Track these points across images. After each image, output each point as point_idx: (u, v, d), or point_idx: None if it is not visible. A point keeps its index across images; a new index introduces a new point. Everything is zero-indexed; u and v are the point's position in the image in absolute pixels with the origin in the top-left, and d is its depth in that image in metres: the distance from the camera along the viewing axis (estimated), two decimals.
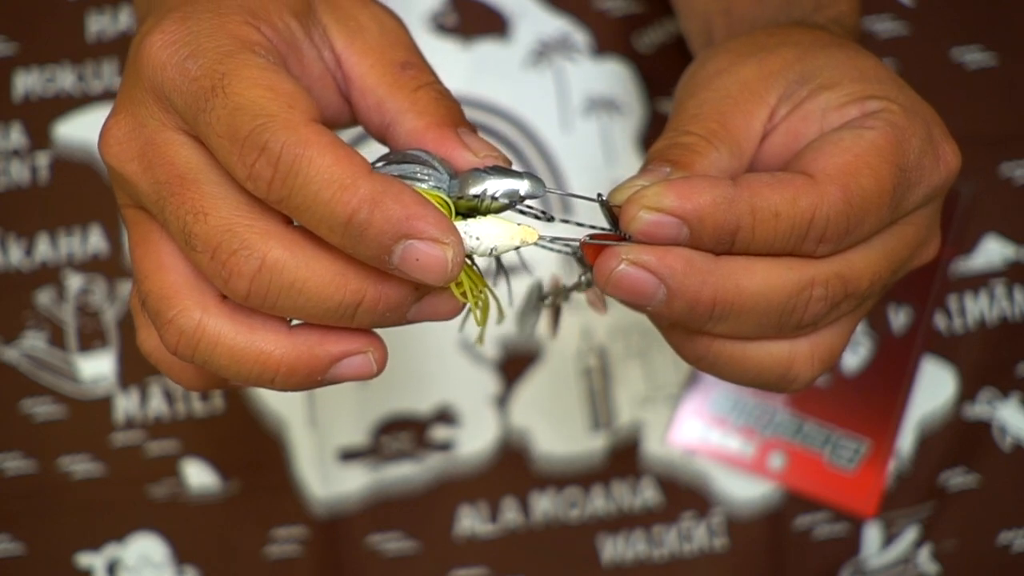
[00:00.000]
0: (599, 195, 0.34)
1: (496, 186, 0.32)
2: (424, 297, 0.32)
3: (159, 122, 0.32)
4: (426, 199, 0.30)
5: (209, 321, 0.31)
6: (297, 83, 0.31)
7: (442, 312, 0.33)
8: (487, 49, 0.61)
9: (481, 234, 0.32)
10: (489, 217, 0.32)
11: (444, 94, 0.34)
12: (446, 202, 0.32)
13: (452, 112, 0.34)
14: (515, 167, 0.34)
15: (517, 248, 0.32)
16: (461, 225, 0.32)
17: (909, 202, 0.35)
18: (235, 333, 0.31)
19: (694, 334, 0.35)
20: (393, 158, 0.33)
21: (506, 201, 0.32)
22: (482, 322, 0.34)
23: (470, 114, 0.60)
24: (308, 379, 0.32)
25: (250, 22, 0.32)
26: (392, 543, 0.56)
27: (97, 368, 0.57)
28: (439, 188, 0.32)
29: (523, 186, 0.32)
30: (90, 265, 0.58)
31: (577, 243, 0.34)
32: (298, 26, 0.34)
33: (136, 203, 0.33)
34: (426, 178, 0.32)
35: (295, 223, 0.31)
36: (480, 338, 0.37)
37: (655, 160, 0.34)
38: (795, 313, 0.33)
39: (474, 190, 0.32)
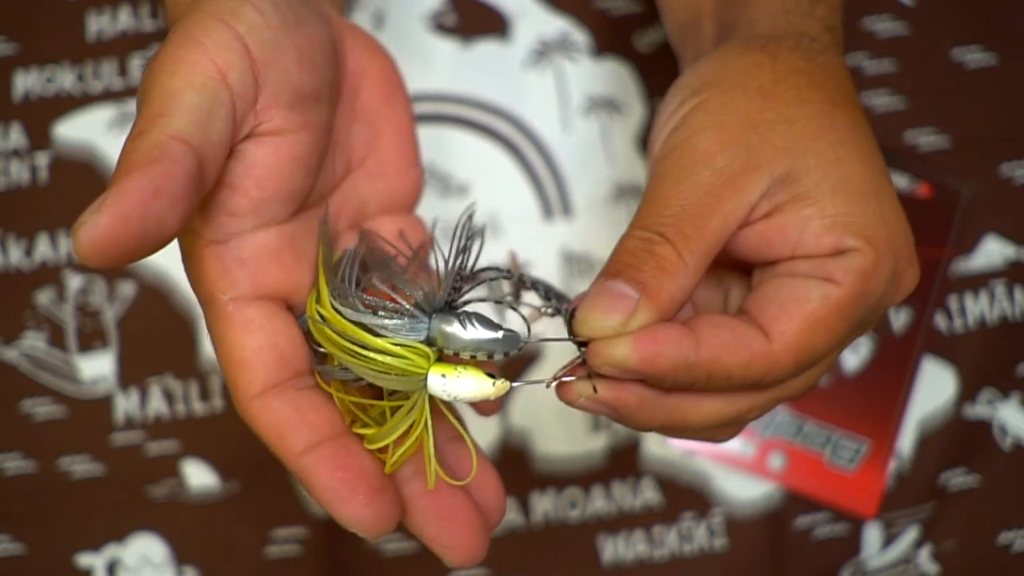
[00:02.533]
0: (568, 322, 0.35)
1: (470, 344, 0.32)
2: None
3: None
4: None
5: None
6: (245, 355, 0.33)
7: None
8: (487, 49, 0.61)
9: (456, 390, 0.32)
10: (468, 374, 0.32)
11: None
12: (424, 351, 0.32)
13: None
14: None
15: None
16: (439, 382, 0.32)
17: (860, 335, 0.38)
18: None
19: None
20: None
21: (482, 356, 0.33)
22: (397, 461, 0.34)
23: (471, 114, 0.60)
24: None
25: (203, 246, 0.33)
26: (392, 543, 0.56)
27: (97, 368, 0.57)
28: (414, 334, 0.32)
29: (497, 347, 0.33)
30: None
31: (549, 381, 0.35)
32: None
33: None
34: (399, 328, 0.32)
35: None
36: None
37: (627, 272, 0.34)
38: (731, 424, 0.37)
39: (449, 347, 0.32)
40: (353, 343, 0.31)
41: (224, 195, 0.33)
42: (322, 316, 0.33)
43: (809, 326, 0.34)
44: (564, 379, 0.35)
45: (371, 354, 0.31)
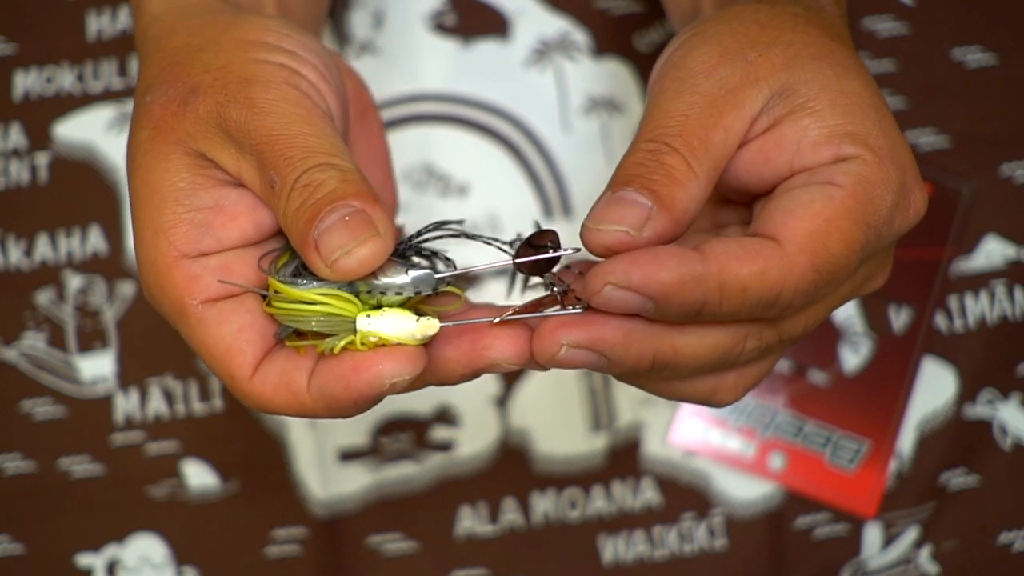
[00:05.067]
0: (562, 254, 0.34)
1: (385, 287, 0.33)
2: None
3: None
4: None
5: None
6: (216, 328, 0.34)
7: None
8: (487, 49, 0.61)
9: (379, 328, 0.33)
10: (391, 313, 0.33)
11: (305, 200, 0.33)
12: (348, 297, 0.33)
13: (311, 213, 0.33)
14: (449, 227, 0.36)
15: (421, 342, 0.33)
16: (363, 322, 0.33)
17: (875, 254, 0.35)
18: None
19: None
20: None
21: (406, 295, 0.33)
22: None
23: (471, 114, 0.60)
24: None
25: (173, 266, 0.34)
26: (392, 543, 0.56)
27: (97, 368, 0.57)
28: (335, 284, 0.33)
29: (407, 287, 0.33)
30: (90, 265, 0.58)
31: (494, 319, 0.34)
32: (201, 191, 0.35)
33: None
34: (331, 286, 0.34)
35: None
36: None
37: (637, 181, 0.33)
38: (727, 361, 0.34)
39: (373, 293, 0.33)
40: (293, 303, 0.34)
41: (218, 221, 0.34)
42: (276, 292, 0.35)
43: (820, 226, 0.32)
44: (510, 316, 0.33)
45: (303, 307, 0.33)
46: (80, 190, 0.59)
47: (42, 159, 0.59)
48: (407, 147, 0.59)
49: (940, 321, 0.57)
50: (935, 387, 0.57)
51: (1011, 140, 0.59)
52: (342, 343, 0.33)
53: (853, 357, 0.57)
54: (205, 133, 0.34)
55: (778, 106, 0.34)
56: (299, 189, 0.32)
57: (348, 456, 0.56)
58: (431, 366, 0.34)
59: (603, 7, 0.61)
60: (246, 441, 0.57)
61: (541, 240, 0.34)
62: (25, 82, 0.60)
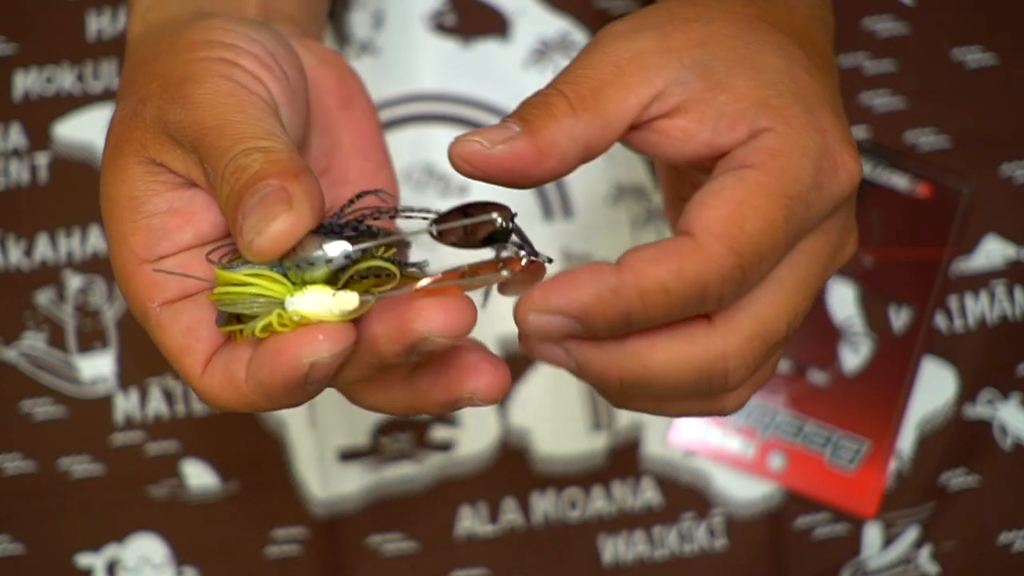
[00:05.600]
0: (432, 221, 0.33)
1: (298, 262, 0.32)
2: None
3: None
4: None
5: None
6: (170, 329, 0.34)
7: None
8: (487, 49, 0.61)
9: (300, 306, 0.32)
10: (312, 290, 0.32)
11: (232, 187, 0.33)
12: (275, 277, 0.33)
13: (236, 199, 0.33)
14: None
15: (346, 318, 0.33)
16: (288, 302, 0.32)
17: (810, 223, 0.34)
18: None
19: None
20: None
21: (333, 265, 0.32)
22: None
23: (471, 114, 0.60)
24: None
25: (135, 272, 0.35)
26: (392, 543, 0.56)
27: (97, 368, 0.57)
28: (266, 265, 0.33)
29: (319, 257, 0.32)
30: (89, 265, 0.58)
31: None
32: (156, 197, 0.35)
33: None
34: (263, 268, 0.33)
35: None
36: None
37: (514, 113, 0.33)
38: (715, 384, 0.33)
39: (291, 265, 0.32)
40: (228, 288, 0.34)
41: (173, 223, 0.35)
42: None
43: (731, 210, 0.31)
44: (431, 285, 0.32)
45: (234, 289, 0.33)
46: (80, 190, 0.59)
47: (42, 159, 0.59)
48: (407, 147, 0.59)
49: (940, 321, 0.57)
50: (935, 387, 0.57)
51: (1011, 140, 0.59)
52: (260, 324, 0.32)
53: (853, 357, 0.57)
54: (154, 140, 0.35)
55: (692, 82, 0.34)
56: (227, 177, 0.32)
57: (348, 456, 0.56)
58: (365, 345, 0.33)
59: (603, 7, 0.61)
60: (246, 441, 0.57)
61: (483, 211, 0.33)
62: (25, 82, 0.60)
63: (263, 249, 0.31)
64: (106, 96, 0.60)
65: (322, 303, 0.32)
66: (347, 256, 0.32)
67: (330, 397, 0.57)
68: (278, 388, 0.32)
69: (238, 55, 0.36)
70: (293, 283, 0.33)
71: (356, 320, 0.32)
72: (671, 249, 0.31)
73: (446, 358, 0.34)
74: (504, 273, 0.32)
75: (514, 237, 0.33)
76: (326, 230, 0.33)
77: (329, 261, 0.32)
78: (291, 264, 0.32)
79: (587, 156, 0.33)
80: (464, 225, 0.33)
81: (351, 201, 0.35)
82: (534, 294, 0.31)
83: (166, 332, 0.34)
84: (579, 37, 0.61)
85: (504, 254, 0.33)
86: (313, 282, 0.32)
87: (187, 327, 0.34)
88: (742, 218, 0.31)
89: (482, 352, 0.35)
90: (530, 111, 0.33)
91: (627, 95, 0.33)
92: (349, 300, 0.32)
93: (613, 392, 0.34)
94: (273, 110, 0.35)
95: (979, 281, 0.58)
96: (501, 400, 0.34)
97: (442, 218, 0.33)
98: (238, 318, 0.34)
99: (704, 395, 0.34)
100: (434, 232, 0.33)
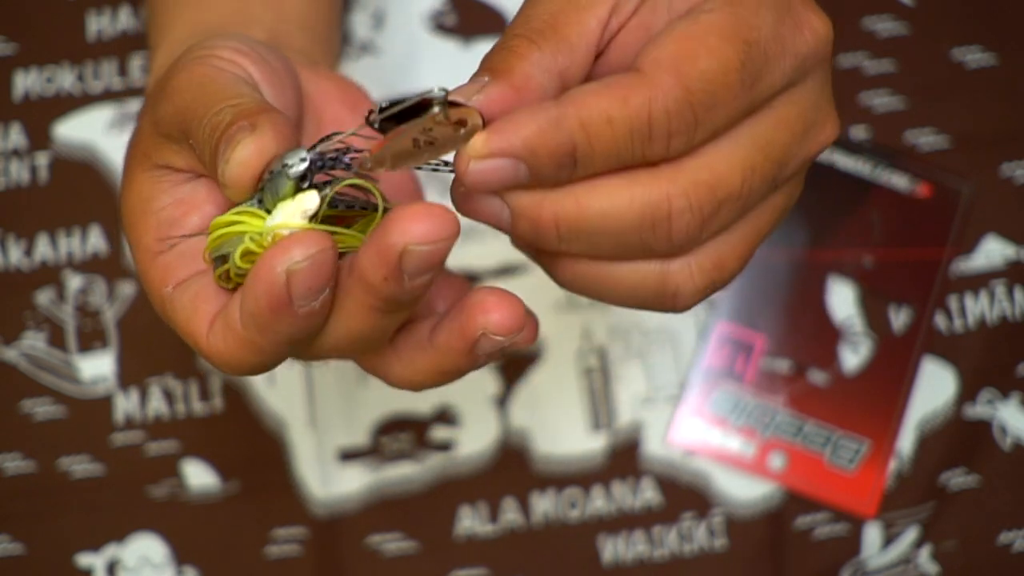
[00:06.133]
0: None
1: (269, 188, 0.32)
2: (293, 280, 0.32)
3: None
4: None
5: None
6: (180, 304, 0.35)
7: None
8: (487, 49, 0.61)
9: (270, 225, 0.32)
10: (280, 207, 0.32)
11: (211, 145, 0.33)
12: (255, 212, 0.33)
13: (213, 151, 0.33)
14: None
15: (313, 216, 0.32)
16: (268, 223, 0.32)
17: (771, 78, 0.31)
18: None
19: (557, 257, 0.33)
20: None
21: (298, 182, 0.32)
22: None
23: None
24: None
25: (150, 266, 0.35)
26: (392, 543, 0.56)
27: (97, 368, 0.57)
28: (248, 203, 0.33)
29: (280, 171, 0.32)
30: (90, 265, 0.58)
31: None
32: (163, 196, 0.36)
33: None
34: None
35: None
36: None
37: (479, 68, 0.32)
38: (658, 231, 0.31)
39: (267, 196, 0.32)
40: (217, 234, 0.34)
41: (180, 212, 0.35)
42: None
43: (684, 45, 0.30)
44: (362, 153, 0.31)
45: (221, 231, 0.33)
46: (80, 190, 0.59)
47: (42, 159, 0.59)
48: None
49: (940, 321, 0.57)
50: (935, 387, 0.57)
51: (1011, 140, 0.59)
52: (239, 250, 0.32)
53: (853, 357, 0.57)
54: (154, 145, 0.36)
55: None
56: (205, 139, 0.33)
57: (348, 456, 0.56)
58: (357, 282, 0.32)
59: None
60: (246, 441, 0.57)
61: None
62: (25, 82, 0.60)
63: (233, 176, 0.31)
64: (106, 96, 0.60)
65: (287, 213, 0.32)
66: (307, 162, 0.32)
67: (331, 397, 0.57)
68: (266, 313, 0.31)
69: (215, 49, 0.37)
70: (270, 212, 0.32)
71: (344, 256, 0.32)
72: (615, 82, 0.30)
73: (457, 307, 0.33)
74: (459, 127, 0.31)
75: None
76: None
77: (287, 167, 0.31)
78: (261, 189, 0.32)
79: (565, 85, 0.32)
80: (403, 108, 0.31)
81: (322, 140, 0.33)
82: (474, 140, 0.30)
83: (176, 306, 0.35)
84: None
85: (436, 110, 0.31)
86: (281, 200, 0.32)
87: (194, 294, 0.35)
88: (694, 54, 0.30)
89: (489, 288, 0.33)
90: (493, 59, 0.32)
91: (584, 17, 0.32)
92: (309, 198, 0.32)
93: (550, 241, 0.32)
94: (250, 83, 0.36)
95: (979, 281, 0.58)
96: (523, 336, 0.33)
97: (380, 110, 0.31)
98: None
99: (648, 250, 0.32)
100: (376, 123, 0.32)
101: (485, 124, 0.31)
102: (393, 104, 0.31)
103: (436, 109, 0.30)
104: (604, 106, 0.29)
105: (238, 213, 0.33)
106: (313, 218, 0.32)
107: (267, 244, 0.32)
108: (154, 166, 0.36)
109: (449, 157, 0.32)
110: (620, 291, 0.33)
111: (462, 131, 0.31)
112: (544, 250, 0.33)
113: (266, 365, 0.34)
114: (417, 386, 0.36)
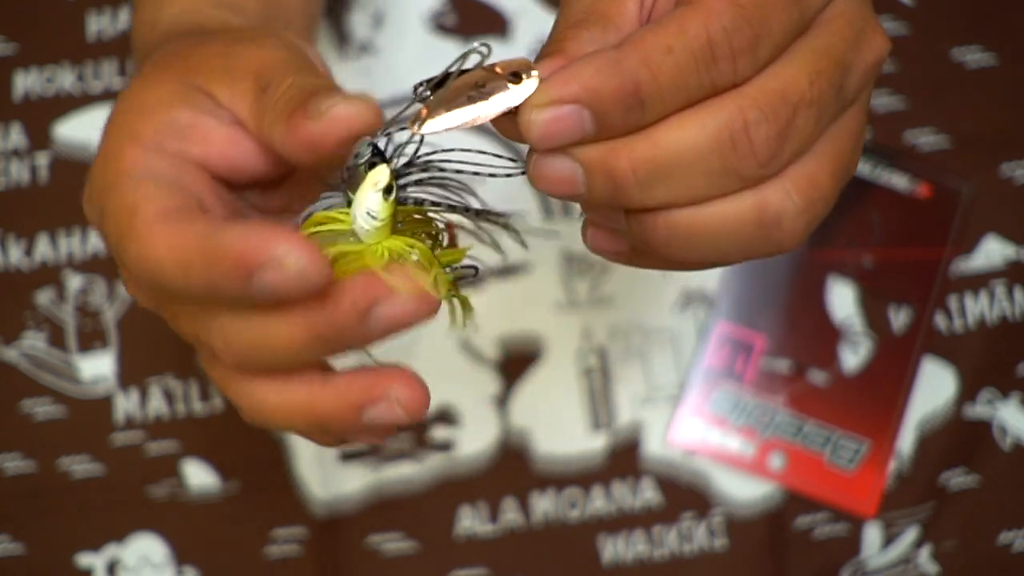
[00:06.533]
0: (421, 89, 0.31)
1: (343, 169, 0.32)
2: (378, 305, 0.30)
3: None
4: (258, 231, 0.29)
5: (255, 389, 0.32)
6: (144, 183, 0.32)
7: (410, 311, 0.31)
8: None
9: (357, 212, 0.31)
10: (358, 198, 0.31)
11: (296, 84, 0.32)
12: (343, 212, 0.32)
13: (302, 94, 0.32)
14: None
15: (386, 192, 0.31)
16: (356, 225, 0.31)
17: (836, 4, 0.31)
18: (275, 394, 0.32)
19: (646, 217, 0.31)
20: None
21: (364, 160, 0.31)
22: (464, 308, 0.34)
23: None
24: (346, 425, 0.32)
25: (127, 147, 0.33)
26: (392, 543, 0.56)
27: (97, 368, 0.57)
28: (332, 206, 0.32)
29: (351, 161, 0.31)
30: (90, 265, 0.58)
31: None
32: (185, 109, 0.34)
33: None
34: (328, 196, 0.33)
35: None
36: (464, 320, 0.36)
37: (534, 64, 0.32)
38: (739, 148, 0.29)
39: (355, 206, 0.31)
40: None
41: (189, 132, 0.33)
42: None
43: None
44: (428, 120, 0.30)
45: (312, 227, 0.32)
46: (80, 190, 0.58)
47: (42, 159, 0.59)
48: None
49: (940, 321, 0.57)
50: (935, 387, 0.57)
51: (1011, 140, 0.59)
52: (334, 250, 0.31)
53: (853, 357, 0.57)
54: (209, 66, 0.34)
55: None
56: (296, 88, 0.32)
57: (348, 456, 0.56)
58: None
59: None
60: (246, 441, 0.57)
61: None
62: (25, 82, 0.60)
63: (329, 124, 0.30)
64: (106, 96, 0.60)
65: (363, 192, 0.31)
66: (372, 146, 0.31)
67: None
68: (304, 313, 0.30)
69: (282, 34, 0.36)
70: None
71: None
72: (668, 17, 0.29)
73: (369, 369, 0.32)
74: (510, 81, 0.30)
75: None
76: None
77: (359, 156, 0.31)
78: (344, 183, 0.32)
79: None
80: (449, 72, 0.31)
81: (387, 124, 0.32)
82: (535, 91, 0.30)
83: (134, 187, 0.32)
84: None
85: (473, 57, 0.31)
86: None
87: (157, 197, 0.32)
88: None
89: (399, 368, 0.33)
90: (542, 52, 0.32)
91: (622, 2, 0.32)
92: (380, 171, 0.31)
93: (631, 191, 0.30)
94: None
95: (979, 281, 0.58)
96: (421, 417, 0.33)
97: (428, 83, 0.31)
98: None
99: (735, 175, 0.30)
100: (428, 95, 0.31)
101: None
102: (440, 76, 0.31)
103: (479, 57, 0.30)
104: (662, 39, 0.29)
105: (328, 217, 0.32)
106: (387, 191, 0.31)
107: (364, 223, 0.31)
108: (191, 85, 0.34)
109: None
110: (722, 236, 0.31)
111: (518, 85, 0.30)
112: (629, 208, 0.31)
113: (159, 303, 0.33)
114: (267, 421, 0.33)
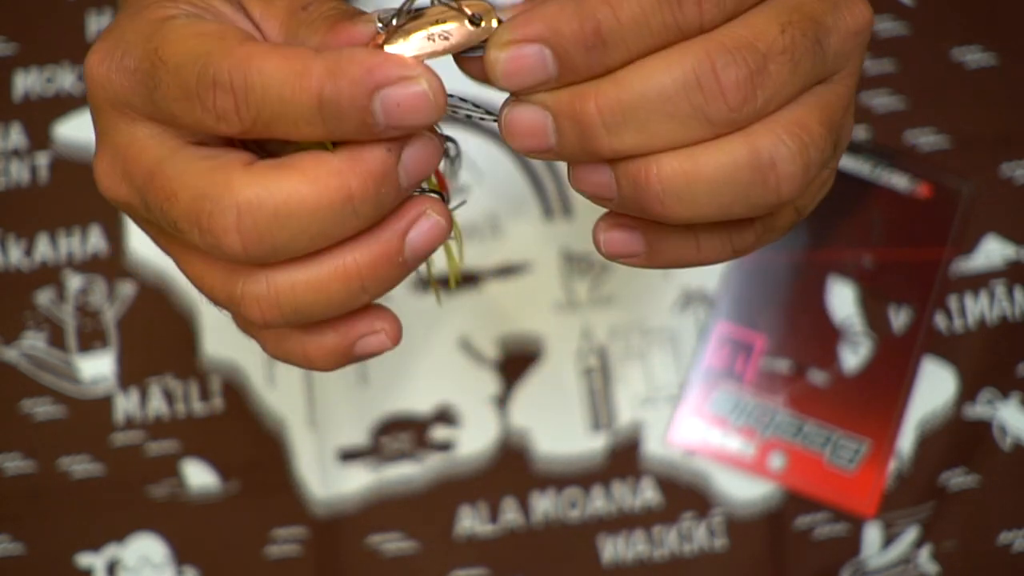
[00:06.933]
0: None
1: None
2: (405, 151, 0.31)
3: (125, 132, 0.32)
4: (380, 51, 0.30)
5: (276, 275, 0.31)
6: (222, 21, 0.31)
7: (429, 158, 0.31)
8: None
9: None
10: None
11: (337, 7, 0.33)
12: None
13: (345, 14, 0.32)
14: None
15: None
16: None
17: None
18: (305, 273, 0.31)
19: (632, 171, 0.30)
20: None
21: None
22: (457, 241, 0.34)
23: (471, 114, 0.60)
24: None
25: (167, 5, 0.32)
26: (392, 543, 0.56)
27: (97, 368, 0.57)
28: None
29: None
30: (90, 265, 0.58)
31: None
32: (220, 2, 0.34)
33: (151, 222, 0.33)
34: None
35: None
36: (453, 279, 0.37)
37: (491, 12, 0.32)
38: (708, 92, 0.29)
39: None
40: None
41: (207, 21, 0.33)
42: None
43: None
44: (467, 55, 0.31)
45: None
46: (80, 190, 0.59)
47: (42, 159, 0.59)
48: None
49: (940, 321, 0.57)
50: (935, 387, 0.57)
51: (1011, 140, 0.59)
52: None
53: (853, 357, 0.57)
54: None
55: None
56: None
57: (348, 456, 0.56)
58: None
59: None
60: (246, 441, 0.57)
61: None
62: (25, 82, 0.60)
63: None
64: None
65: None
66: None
67: (331, 397, 0.57)
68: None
69: None
70: None
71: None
72: None
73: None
74: (471, 22, 0.31)
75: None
76: None
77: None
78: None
79: None
80: (406, 3, 0.31)
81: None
82: (498, 31, 0.30)
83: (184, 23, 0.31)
84: None
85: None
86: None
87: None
88: None
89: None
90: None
91: None
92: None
93: (599, 135, 0.30)
94: None
95: (979, 281, 0.58)
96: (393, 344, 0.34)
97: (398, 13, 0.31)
98: None
99: (706, 118, 0.29)
100: (391, 20, 0.31)
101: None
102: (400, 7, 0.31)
103: (469, 21, 0.31)
104: None
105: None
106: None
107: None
108: None
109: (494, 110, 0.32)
110: (718, 185, 0.30)
111: (478, 27, 0.31)
112: (600, 156, 0.30)
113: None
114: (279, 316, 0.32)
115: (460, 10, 0.31)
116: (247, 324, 0.35)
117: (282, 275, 0.31)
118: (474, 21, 0.31)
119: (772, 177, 0.30)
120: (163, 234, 0.34)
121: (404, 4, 0.31)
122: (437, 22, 0.31)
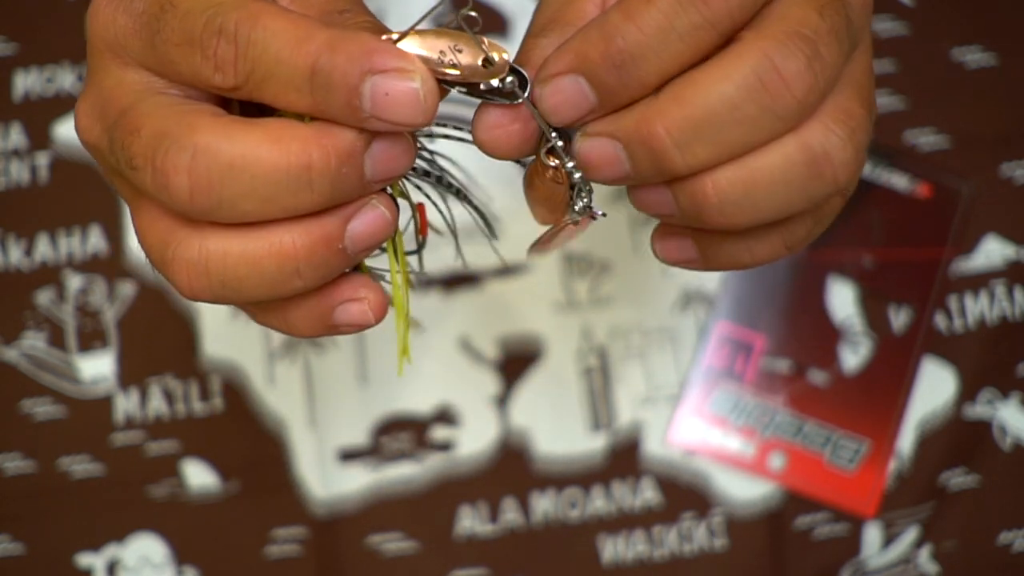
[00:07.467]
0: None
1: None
2: (377, 143, 0.30)
3: (115, 75, 0.32)
4: (386, 40, 0.30)
5: (209, 240, 0.31)
6: None
7: (400, 158, 0.31)
8: None
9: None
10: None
11: (375, 23, 0.33)
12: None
13: (379, 30, 0.32)
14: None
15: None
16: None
17: None
18: (240, 244, 0.31)
19: (695, 183, 0.30)
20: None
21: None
22: (402, 299, 0.34)
23: (470, 114, 0.60)
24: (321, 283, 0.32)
25: None
26: (392, 543, 0.56)
27: (97, 368, 0.57)
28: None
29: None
30: (90, 265, 0.58)
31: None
32: None
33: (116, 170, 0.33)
34: None
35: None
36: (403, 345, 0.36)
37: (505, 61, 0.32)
38: (773, 89, 0.29)
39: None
40: None
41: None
42: None
43: None
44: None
45: None
46: (80, 190, 0.59)
47: (42, 159, 0.59)
48: None
49: (940, 321, 0.57)
50: (935, 387, 0.57)
51: (1011, 140, 0.59)
52: None
53: (853, 357, 0.57)
54: None
55: None
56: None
57: (348, 456, 0.56)
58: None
59: None
60: (246, 441, 0.57)
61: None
62: (25, 82, 0.60)
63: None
64: None
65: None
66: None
67: (331, 397, 0.57)
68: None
69: None
70: None
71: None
72: None
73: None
74: (486, 64, 0.31)
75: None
76: None
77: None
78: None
79: None
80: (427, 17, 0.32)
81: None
82: (540, 69, 0.30)
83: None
84: None
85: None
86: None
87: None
88: None
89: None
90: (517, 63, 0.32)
91: (581, 4, 0.32)
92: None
93: (671, 155, 0.29)
94: None
95: (979, 281, 0.58)
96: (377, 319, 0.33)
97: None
98: None
99: (775, 117, 0.29)
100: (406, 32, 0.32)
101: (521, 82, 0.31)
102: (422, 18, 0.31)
103: (459, 20, 0.31)
104: None
105: None
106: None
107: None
108: None
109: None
110: (775, 186, 0.30)
111: (489, 67, 0.31)
112: (677, 175, 0.30)
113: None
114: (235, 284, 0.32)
115: (482, 48, 0.31)
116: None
117: (216, 241, 0.30)
118: (488, 62, 0.31)
119: (828, 168, 0.30)
120: (121, 179, 0.33)
121: (432, 9, 0.31)
122: (456, 46, 0.31)
